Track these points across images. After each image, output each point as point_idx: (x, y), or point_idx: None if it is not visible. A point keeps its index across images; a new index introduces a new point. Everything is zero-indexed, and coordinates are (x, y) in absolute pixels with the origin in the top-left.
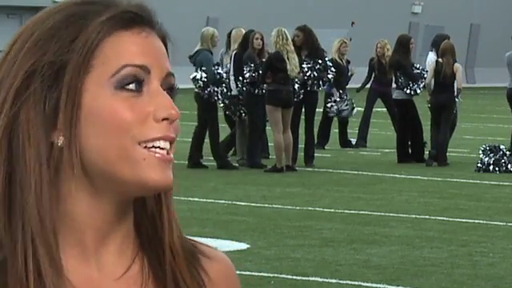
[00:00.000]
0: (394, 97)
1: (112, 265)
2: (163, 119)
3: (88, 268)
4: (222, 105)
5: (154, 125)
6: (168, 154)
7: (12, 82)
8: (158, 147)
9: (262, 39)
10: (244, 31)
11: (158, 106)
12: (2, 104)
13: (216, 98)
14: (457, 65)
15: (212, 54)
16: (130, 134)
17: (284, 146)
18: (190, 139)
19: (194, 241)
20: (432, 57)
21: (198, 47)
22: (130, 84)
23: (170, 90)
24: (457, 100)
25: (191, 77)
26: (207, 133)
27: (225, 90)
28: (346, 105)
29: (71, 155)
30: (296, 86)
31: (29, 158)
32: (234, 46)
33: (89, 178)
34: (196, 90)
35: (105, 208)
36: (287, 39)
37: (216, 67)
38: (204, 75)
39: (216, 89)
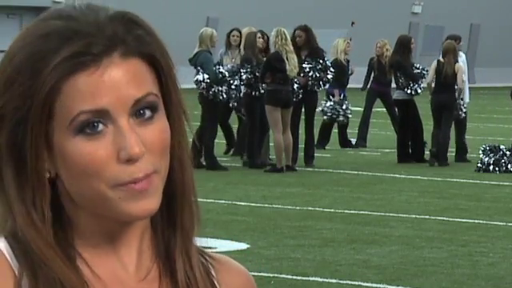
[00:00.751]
0: (394, 97)
1: (134, 265)
2: (126, 160)
3: (113, 265)
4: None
5: (119, 167)
6: (147, 180)
7: None
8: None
9: (265, 38)
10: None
11: (120, 146)
12: None
13: (221, 97)
14: (458, 65)
15: (211, 54)
16: (101, 178)
17: (284, 146)
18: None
19: (210, 253)
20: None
21: (196, 49)
22: (92, 129)
23: (150, 109)
24: (466, 100)
25: (194, 79)
26: (208, 132)
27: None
28: (344, 114)
29: (62, 191)
30: (295, 86)
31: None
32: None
33: (82, 209)
34: (199, 91)
35: (109, 223)
36: (286, 39)
37: (217, 66)
38: (206, 76)
39: (220, 88)
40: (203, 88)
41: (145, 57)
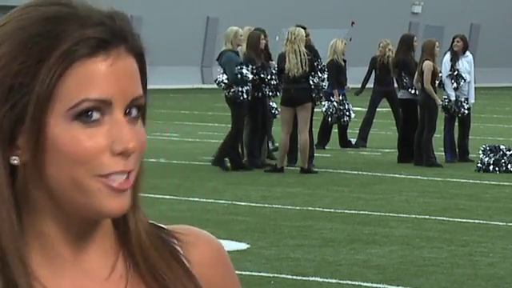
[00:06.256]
0: (398, 96)
1: (98, 267)
2: (119, 153)
3: (75, 279)
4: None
5: (110, 158)
6: (127, 180)
7: None
8: (115, 178)
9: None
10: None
11: (115, 138)
12: None
13: (242, 98)
14: (424, 63)
15: (237, 53)
16: (86, 167)
17: (300, 147)
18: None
19: (171, 229)
20: (447, 58)
21: (222, 48)
22: (88, 117)
23: (138, 112)
24: (472, 101)
25: (215, 79)
26: (233, 131)
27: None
28: (348, 114)
29: (32, 178)
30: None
31: None
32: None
33: (53, 200)
34: (223, 91)
35: (74, 227)
36: (288, 39)
37: (239, 67)
38: (225, 77)
39: (241, 89)
40: (224, 88)
41: (137, 57)
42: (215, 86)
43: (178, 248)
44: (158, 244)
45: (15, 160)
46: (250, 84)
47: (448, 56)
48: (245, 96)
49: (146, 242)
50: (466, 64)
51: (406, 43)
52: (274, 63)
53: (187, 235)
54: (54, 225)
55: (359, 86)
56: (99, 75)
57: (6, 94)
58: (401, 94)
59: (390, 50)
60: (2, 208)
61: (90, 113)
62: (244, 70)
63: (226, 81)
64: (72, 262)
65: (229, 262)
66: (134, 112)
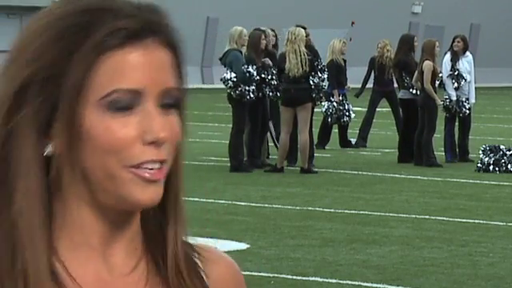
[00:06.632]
0: (399, 96)
1: (121, 265)
2: (151, 143)
3: (98, 269)
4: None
5: (141, 148)
6: (159, 170)
7: (7, 90)
8: (146, 168)
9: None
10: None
11: (146, 128)
12: None
13: (248, 97)
14: (424, 63)
15: (242, 53)
16: (118, 157)
17: (300, 147)
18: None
19: (194, 244)
20: (448, 58)
21: (226, 47)
22: (120, 107)
23: (173, 103)
24: (472, 101)
25: (221, 78)
26: (233, 131)
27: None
28: (348, 114)
29: (67, 168)
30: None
31: (21, 166)
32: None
33: (87, 189)
34: (228, 90)
35: (107, 217)
36: (289, 39)
37: (246, 66)
38: (233, 75)
39: (247, 88)
40: (230, 87)
41: (171, 50)
42: (215, 85)
43: (198, 262)
44: (185, 255)
45: (49, 150)
46: (255, 84)
47: (448, 56)
48: (251, 95)
49: (179, 254)
50: (466, 64)
51: (407, 43)
52: (267, 59)
53: (209, 252)
54: (88, 214)
55: (359, 86)
56: (130, 66)
57: (42, 84)
58: (401, 94)
59: (388, 50)
60: (34, 194)
61: (121, 103)
62: (251, 69)
63: (234, 79)
64: (98, 253)
65: (243, 281)
66: (169, 104)
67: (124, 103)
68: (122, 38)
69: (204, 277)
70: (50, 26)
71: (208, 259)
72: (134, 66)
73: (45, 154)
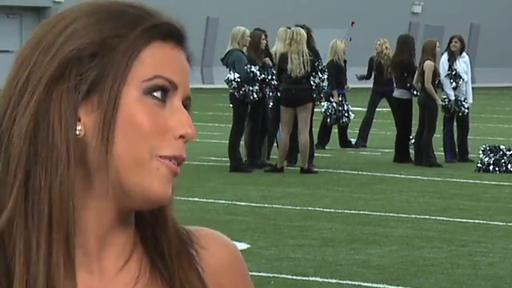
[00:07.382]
0: (398, 96)
1: (112, 268)
2: (180, 136)
3: (90, 273)
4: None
5: (171, 141)
6: (177, 166)
7: (47, 67)
8: (171, 160)
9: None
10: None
11: (177, 122)
12: (35, 87)
13: (252, 97)
14: (425, 63)
15: (243, 53)
16: (150, 144)
17: (301, 147)
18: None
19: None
20: (445, 58)
21: (228, 48)
22: (157, 96)
23: (185, 107)
24: (470, 101)
25: (225, 78)
26: (233, 131)
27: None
28: (347, 115)
29: (94, 153)
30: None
31: (58, 142)
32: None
33: (101, 183)
34: (231, 90)
35: (109, 214)
36: (291, 39)
37: (249, 66)
38: (237, 75)
39: (251, 88)
40: (234, 87)
41: (188, 63)
42: (215, 85)
43: (194, 253)
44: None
45: (81, 131)
46: (257, 84)
47: (445, 56)
48: (254, 96)
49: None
50: (463, 64)
51: (408, 44)
52: (267, 59)
53: (206, 239)
54: (90, 215)
55: (359, 86)
56: (171, 59)
57: (86, 60)
58: (400, 94)
59: (386, 47)
60: (70, 176)
61: (159, 89)
62: (254, 69)
63: (238, 79)
64: (93, 257)
65: (242, 265)
66: (186, 104)
67: (162, 90)
68: (166, 31)
69: (200, 270)
70: (99, 10)
71: (204, 247)
72: (174, 61)
73: (78, 133)
